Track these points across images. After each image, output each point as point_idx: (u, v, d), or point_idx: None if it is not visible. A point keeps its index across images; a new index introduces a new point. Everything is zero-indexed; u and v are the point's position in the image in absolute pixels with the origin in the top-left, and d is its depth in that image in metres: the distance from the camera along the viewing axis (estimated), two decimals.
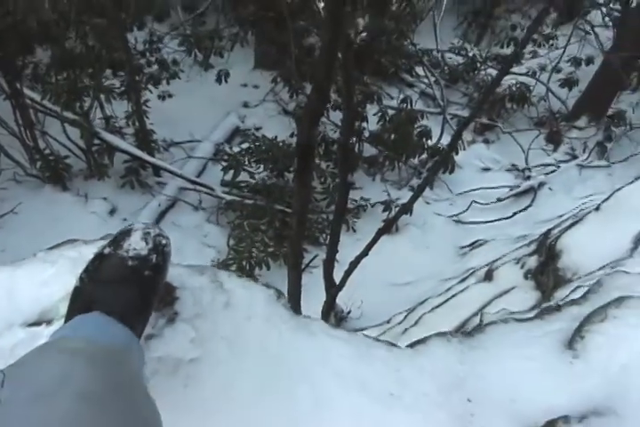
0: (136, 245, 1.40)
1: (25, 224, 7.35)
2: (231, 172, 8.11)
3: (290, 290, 3.77)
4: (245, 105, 10.85)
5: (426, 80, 11.61)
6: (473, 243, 8.01)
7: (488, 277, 5.23)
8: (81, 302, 1.34)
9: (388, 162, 9.34)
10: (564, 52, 11.83)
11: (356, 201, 8.38)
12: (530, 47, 13.23)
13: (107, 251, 1.40)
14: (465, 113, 10.79)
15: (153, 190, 8.55)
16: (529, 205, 8.95)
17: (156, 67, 9.77)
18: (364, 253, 4.24)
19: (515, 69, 11.36)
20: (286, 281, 3.77)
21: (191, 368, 1.44)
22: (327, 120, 9.03)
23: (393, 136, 9.18)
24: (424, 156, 9.40)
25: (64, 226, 7.17)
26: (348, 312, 6.64)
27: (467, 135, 10.64)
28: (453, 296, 5.29)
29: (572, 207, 6.92)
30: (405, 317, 5.49)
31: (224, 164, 8.30)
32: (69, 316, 1.32)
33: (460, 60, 12.30)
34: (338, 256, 4.11)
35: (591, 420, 1.55)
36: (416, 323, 4.93)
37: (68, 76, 7.83)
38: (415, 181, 9.24)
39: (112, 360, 1.13)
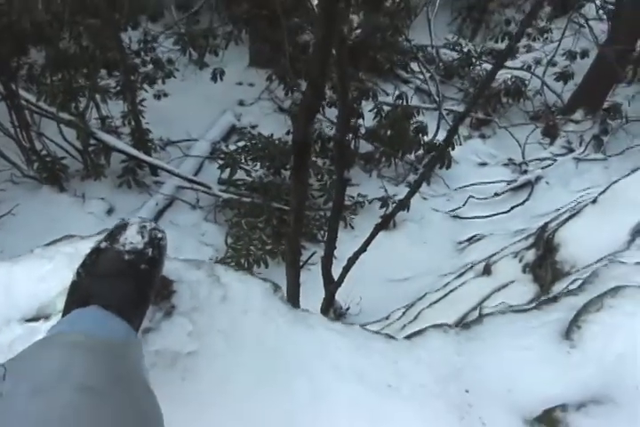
0: (132, 238, 1.40)
1: (23, 225, 7.35)
2: (228, 170, 8.12)
3: (288, 287, 3.77)
4: (241, 103, 10.84)
5: (421, 76, 11.61)
6: (471, 238, 8.01)
7: (486, 271, 5.23)
8: (78, 296, 1.34)
9: (384, 158, 9.35)
10: (558, 45, 11.83)
11: (353, 198, 8.39)
12: (524, 41, 13.24)
13: (103, 245, 1.40)
14: (461, 108, 10.78)
15: (150, 190, 8.55)
16: (526, 200, 8.96)
17: (151, 66, 9.75)
18: (362, 249, 4.25)
19: (510, 64, 11.37)
20: (285, 278, 3.77)
21: (189, 361, 1.45)
22: (323, 117, 9.02)
23: (389, 132, 9.20)
24: (420, 151, 9.42)
25: (62, 227, 7.15)
26: (347, 309, 6.65)
27: (463, 130, 10.64)
28: (452, 291, 5.29)
29: (570, 201, 6.92)
30: (404, 312, 5.50)
31: (221, 162, 8.30)
32: (67, 310, 1.33)
33: (455, 55, 12.30)
34: (336, 253, 4.12)
35: (589, 408, 1.56)
36: (415, 318, 4.94)
37: (62, 76, 7.82)
38: (412, 177, 9.25)
39: (111, 353, 1.13)
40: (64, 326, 1.23)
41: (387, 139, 9.18)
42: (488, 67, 11.39)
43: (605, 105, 10.89)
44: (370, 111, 9.41)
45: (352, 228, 8.05)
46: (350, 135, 8.83)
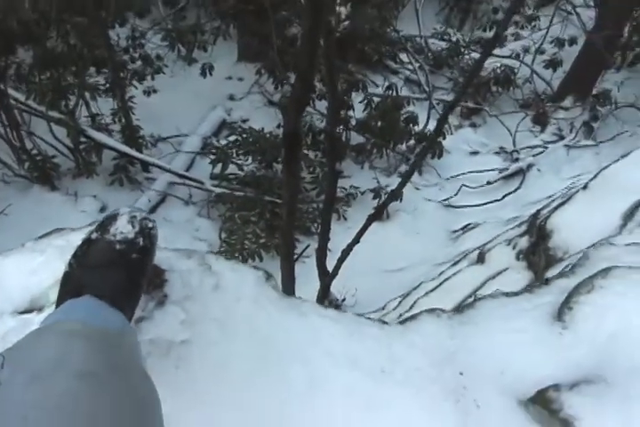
0: (123, 228, 1.41)
1: (15, 225, 7.33)
2: (220, 165, 8.12)
3: (283, 280, 3.78)
4: (231, 98, 10.84)
5: (410, 66, 11.61)
6: (464, 227, 8.02)
7: (480, 259, 5.25)
8: (71, 287, 1.35)
9: (375, 149, 9.35)
10: (546, 33, 11.87)
11: (345, 189, 8.38)
12: (512, 29, 13.29)
13: (94, 236, 1.41)
14: (451, 98, 10.76)
15: (142, 186, 8.54)
16: (518, 187, 8.97)
17: (139, 63, 9.74)
18: (356, 240, 4.26)
19: (498, 52, 11.40)
20: (279, 272, 3.78)
21: (182, 350, 1.46)
22: (313, 110, 9.02)
23: (380, 123, 9.20)
24: (411, 142, 9.43)
25: (54, 225, 7.00)
26: (343, 300, 6.66)
27: (453, 120, 10.66)
28: (447, 280, 5.30)
29: (561, 188, 6.94)
30: (400, 302, 5.50)
31: (212, 157, 8.30)
32: (60, 301, 1.34)
33: (444, 45, 12.31)
34: (330, 245, 4.12)
35: (581, 387, 1.57)
36: (411, 308, 4.94)
37: (51, 75, 7.82)
38: (404, 168, 9.24)
39: (108, 341, 1.14)
40: (58, 316, 1.24)
41: (377, 130, 9.18)
42: (477, 56, 11.39)
43: (595, 91, 10.92)
44: (360, 103, 9.42)
45: (345, 219, 8.05)
46: (341, 127, 8.83)
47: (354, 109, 9.30)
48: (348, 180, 8.72)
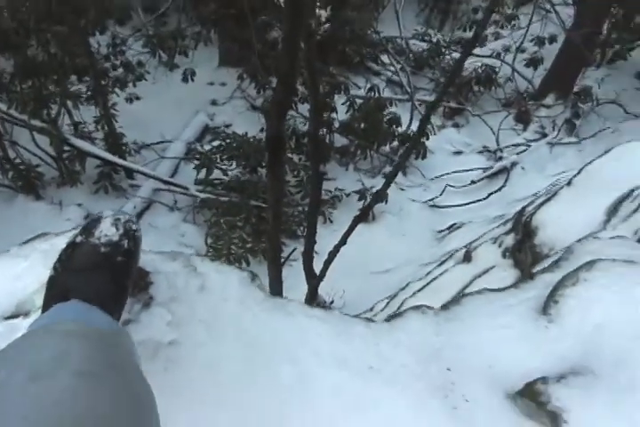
0: (107, 231, 1.42)
1: (0, 235, 7.31)
2: (204, 170, 8.11)
3: (271, 284, 3.77)
4: (213, 103, 10.84)
5: (392, 68, 11.65)
6: (450, 226, 8.04)
7: (467, 258, 5.25)
8: (56, 291, 1.35)
9: (359, 151, 9.37)
10: (526, 31, 11.91)
11: (330, 192, 8.39)
12: (492, 29, 13.35)
13: (79, 239, 1.42)
14: (433, 98, 10.79)
15: (127, 193, 8.53)
16: (503, 186, 9.00)
17: (121, 70, 9.73)
18: (342, 242, 4.26)
19: (479, 52, 11.44)
20: (267, 276, 3.78)
21: (170, 352, 1.46)
22: (296, 113, 9.03)
23: (363, 125, 9.22)
24: (395, 143, 9.45)
25: None
26: (331, 302, 6.66)
27: (436, 120, 10.70)
28: (434, 279, 5.31)
29: (546, 185, 6.96)
30: (388, 303, 5.50)
31: (196, 162, 8.29)
32: (46, 305, 1.34)
33: (425, 46, 12.35)
34: (317, 248, 4.11)
35: (569, 379, 1.58)
36: (399, 308, 4.94)
37: (32, 83, 7.79)
38: (388, 169, 9.26)
39: (105, 341, 1.15)
40: (47, 320, 1.24)
41: (361, 131, 9.20)
42: (458, 56, 11.43)
43: (576, 89, 10.99)
44: (342, 105, 9.43)
45: (331, 222, 8.06)
46: (324, 129, 8.84)
47: (337, 112, 9.32)
48: (332, 182, 8.74)
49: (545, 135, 10.37)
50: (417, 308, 1.90)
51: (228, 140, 8.34)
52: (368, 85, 10.17)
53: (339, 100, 9.56)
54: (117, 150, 8.51)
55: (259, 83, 9.83)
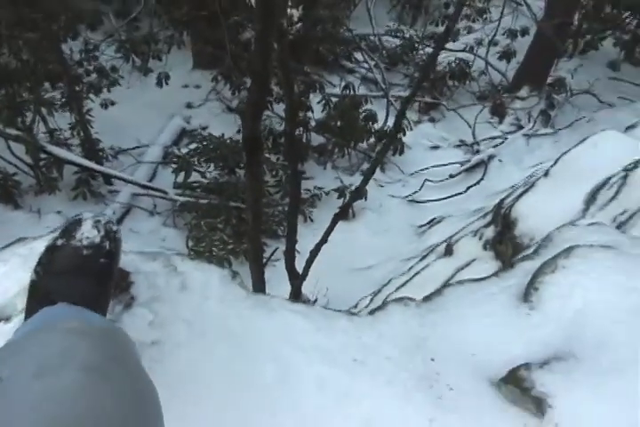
0: (88, 233, 1.42)
1: None
2: (182, 173, 8.09)
3: (254, 285, 3.78)
4: (189, 106, 10.82)
5: (366, 65, 11.65)
6: (430, 221, 8.05)
7: (448, 251, 5.27)
8: (40, 294, 1.36)
9: (337, 149, 9.38)
10: (498, 24, 11.93)
11: (309, 191, 8.39)
12: (464, 23, 13.37)
13: (59, 242, 1.42)
14: (408, 94, 10.83)
15: (106, 199, 8.49)
16: (481, 179, 9.03)
17: (94, 75, 9.67)
18: (323, 240, 4.27)
19: (452, 46, 11.51)
20: (250, 277, 3.78)
21: (154, 351, 1.46)
22: (272, 113, 9.04)
23: (339, 123, 9.23)
24: (372, 140, 9.46)
25: None
26: (315, 301, 6.66)
27: (412, 116, 10.70)
28: (416, 274, 5.33)
29: (523, 177, 6.99)
30: (371, 299, 5.51)
31: (174, 166, 8.27)
32: (30, 310, 1.34)
33: (398, 42, 12.36)
34: (298, 247, 4.13)
35: (552, 365, 1.59)
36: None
37: (6, 91, 7.75)
38: (366, 166, 9.26)
39: (107, 338, 1.16)
40: (38, 324, 1.24)
41: (337, 129, 9.22)
42: (431, 51, 11.46)
43: (549, 80, 11.04)
44: (318, 104, 9.44)
45: (312, 221, 8.06)
46: (300, 129, 8.85)
47: (312, 111, 9.33)
48: (311, 181, 8.74)
49: (521, 127, 10.42)
50: (399, 300, 1.91)
51: (204, 143, 8.33)
52: (343, 83, 10.18)
53: (314, 99, 9.58)
54: (94, 156, 8.48)
55: (233, 84, 9.82)
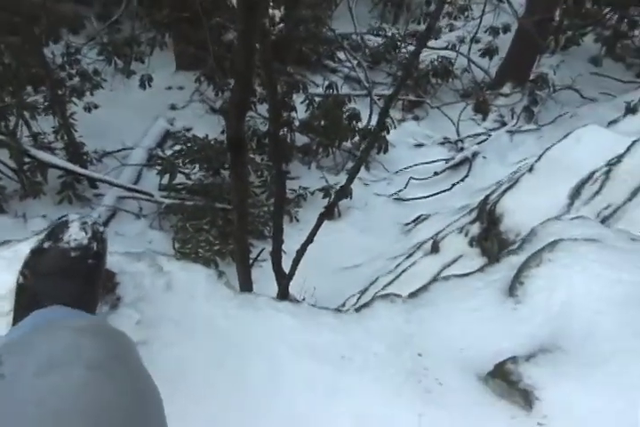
0: (76, 235, 1.42)
1: None
2: (167, 175, 8.07)
3: (241, 285, 3.78)
4: (173, 107, 10.80)
5: (349, 64, 11.66)
6: (416, 219, 8.07)
7: (434, 249, 5.29)
8: (28, 297, 1.36)
9: (321, 149, 9.39)
10: (480, 22, 11.98)
11: (295, 191, 8.40)
12: (446, 21, 13.41)
13: (47, 245, 1.42)
14: (391, 92, 10.84)
15: (92, 203, 8.46)
16: (466, 176, 9.06)
17: (77, 79, 9.64)
18: (309, 240, 4.26)
19: (434, 44, 11.55)
20: (237, 278, 3.78)
21: (142, 351, 1.44)
22: (255, 114, 9.04)
23: (323, 122, 9.24)
24: (356, 138, 9.46)
25: None
26: (303, 300, 6.66)
27: (396, 114, 10.73)
28: (403, 272, 5.34)
29: (508, 173, 7.02)
30: (359, 298, 5.52)
31: (159, 168, 8.25)
32: (18, 312, 1.34)
33: (380, 40, 12.37)
34: (285, 247, 4.12)
35: (538, 358, 1.60)
36: None
37: None
38: (351, 165, 9.27)
39: (111, 337, 1.17)
40: (38, 324, 1.24)
41: (321, 129, 9.23)
42: (413, 49, 11.49)
43: (532, 76, 11.08)
44: (301, 103, 9.46)
45: (297, 221, 8.06)
46: (284, 129, 8.85)
47: (296, 111, 9.34)
48: (296, 181, 8.75)
49: (504, 124, 10.46)
50: (385, 296, 1.92)
51: (189, 144, 8.31)
52: (326, 83, 10.20)
53: (297, 98, 9.59)
54: (79, 160, 8.45)
55: (216, 85, 9.83)
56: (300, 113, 9.43)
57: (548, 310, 1.75)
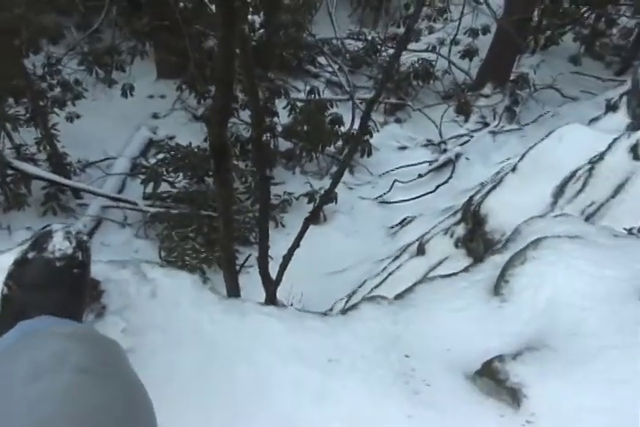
0: (60, 245, 1.41)
1: None
2: (151, 184, 8.06)
3: (229, 292, 3.77)
4: (155, 116, 10.77)
5: (330, 69, 11.66)
6: (401, 221, 8.08)
7: (420, 251, 5.29)
8: (14, 308, 1.35)
9: (305, 153, 9.39)
10: (459, 24, 12.00)
11: (280, 196, 8.39)
12: (426, 23, 13.44)
13: (31, 255, 1.41)
14: (372, 96, 10.84)
15: (76, 213, 8.43)
16: (449, 177, 9.07)
17: (58, 89, 9.62)
18: (295, 245, 4.26)
19: (415, 46, 11.60)
20: (224, 285, 3.77)
21: (129, 359, 1.46)
22: (238, 120, 9.03)
23: (306, 127, 9.24)
24: (339, 143, 9.47)
25: None
26: (291, 306, 6.65)
27: (378, 117, 10.75)
28: (390, 275, 5.34)
29: (491, 173, 7.04)
30: (347, 302, 5.52)
31: (143, 177, 8.24)
32: (3, 324, 1.33)
33: (360, 44, 12.40)
34: (271, 253, 4.12)
35: (525, 356, 1.61)
36: None
37: None
38: (335, 169, 9.28)
39: (100, 343, 1.17)
40: (14, 340, 1.23)
41: (304, 134, 9.23)
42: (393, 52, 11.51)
43: (512, 76, 11.15)
44: (284, 109, 9.46)
45: (283, 226, 8.06)
46: (267, 134, 8.85)
47: (278, 116, 9.34)
48: (281, 186, 8.74)
49: (486, 124, 10.51)
50: (371, 299, 1.92)
51: (172, 153, 8.30)
52: (308, 88, 10.21)
53: (280, 104, 9.59)
54: (62, 170, 8.42)
55: (198, 92, 9.82)
56: (283, 118, 9.44)
57: (534, 308, 1.76)
